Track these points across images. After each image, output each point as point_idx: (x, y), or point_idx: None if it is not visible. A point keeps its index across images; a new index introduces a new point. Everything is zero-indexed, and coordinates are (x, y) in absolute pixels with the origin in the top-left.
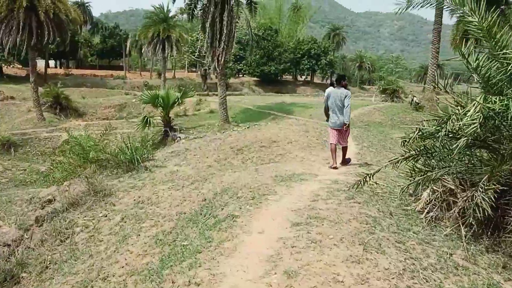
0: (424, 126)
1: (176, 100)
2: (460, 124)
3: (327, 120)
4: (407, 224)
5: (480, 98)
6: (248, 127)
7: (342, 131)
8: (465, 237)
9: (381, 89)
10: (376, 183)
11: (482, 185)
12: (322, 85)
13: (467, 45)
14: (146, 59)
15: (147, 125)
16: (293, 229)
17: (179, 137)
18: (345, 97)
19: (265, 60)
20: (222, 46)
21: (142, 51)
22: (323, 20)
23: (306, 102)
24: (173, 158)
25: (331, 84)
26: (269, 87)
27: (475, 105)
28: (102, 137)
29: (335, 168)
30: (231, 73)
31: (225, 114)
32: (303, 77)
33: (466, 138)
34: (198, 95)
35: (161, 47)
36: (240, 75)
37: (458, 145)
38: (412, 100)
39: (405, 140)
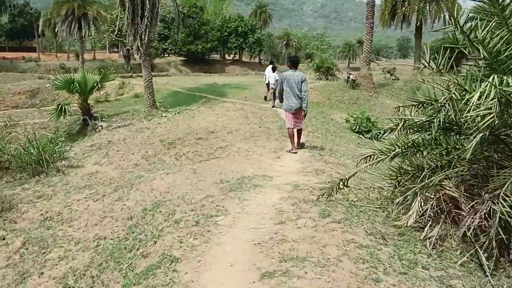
0: (407, 115)
1: (95, 84)
2: (467, 114)
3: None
4: (410, 254)
5: (493, 79)
6: (179, 113)
7: (298, 114)
8: (489, 268)
9: (315, 67)
10: (346, 187)
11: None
12: (250, 64)
13: (461, 13)
14: (61, 39)
15: (63, 114)
16: (265, 286)
17: (101, 126)
18: (303, 81)
19: (191, 38)
20: (145, 23)
21: (56, 31)
22: None
23: (238, 82)
24: (93, 154)
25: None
26: (197, 66)
27: (488, 88)
28: (3, 131)
29: (295, 152)
30: (156, 53)
31: (151, 98)
32: (231, 56)
33: (482, 133)
34: (121, 77)
35: (77, 26)
36: (165, 55)
37: (472, 143)
38: (348, 77)
39: (380, 133)
